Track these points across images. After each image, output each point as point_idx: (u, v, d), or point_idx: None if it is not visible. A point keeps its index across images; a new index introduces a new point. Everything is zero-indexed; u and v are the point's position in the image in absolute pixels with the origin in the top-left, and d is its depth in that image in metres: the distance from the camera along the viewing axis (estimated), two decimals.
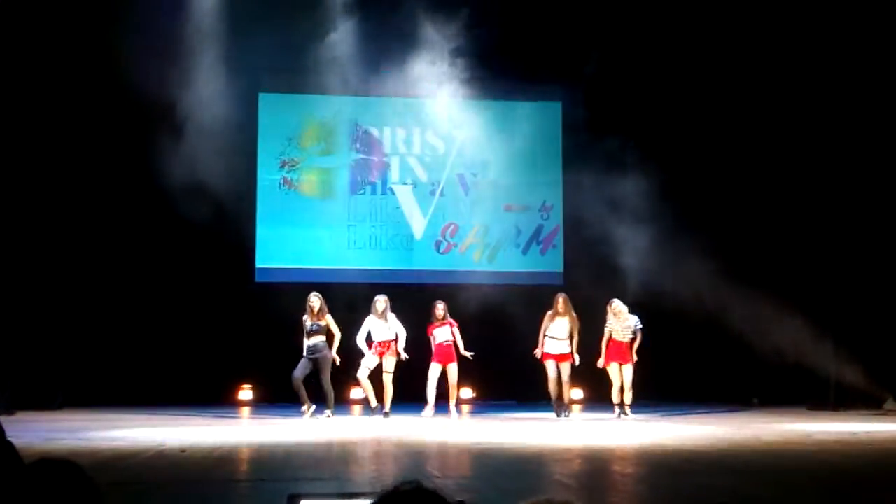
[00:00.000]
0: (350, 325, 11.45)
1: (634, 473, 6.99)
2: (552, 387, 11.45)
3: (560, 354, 11.47)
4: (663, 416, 11.54)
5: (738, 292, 12.10)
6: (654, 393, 12.75)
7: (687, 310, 12.28)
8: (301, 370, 11.06)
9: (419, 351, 11.60)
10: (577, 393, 13.23)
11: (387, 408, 11.22)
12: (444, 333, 11.52)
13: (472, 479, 6.46)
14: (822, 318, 12.17)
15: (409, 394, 11.60)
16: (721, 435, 9.14)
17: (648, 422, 10.88)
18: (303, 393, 11.05)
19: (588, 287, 12.38)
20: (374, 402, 11.20)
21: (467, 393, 13.44)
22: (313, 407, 11.02)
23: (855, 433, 9.30)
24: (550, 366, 11.47)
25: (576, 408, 12.95)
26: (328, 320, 11.15)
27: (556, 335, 11.49)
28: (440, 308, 11.57)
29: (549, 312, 11.55)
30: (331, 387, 11.09)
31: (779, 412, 11.93)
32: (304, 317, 11.19)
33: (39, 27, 11.80)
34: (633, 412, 11.35)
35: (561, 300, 11.59)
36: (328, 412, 11.02)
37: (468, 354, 11.61)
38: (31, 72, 11.88)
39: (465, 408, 12.89)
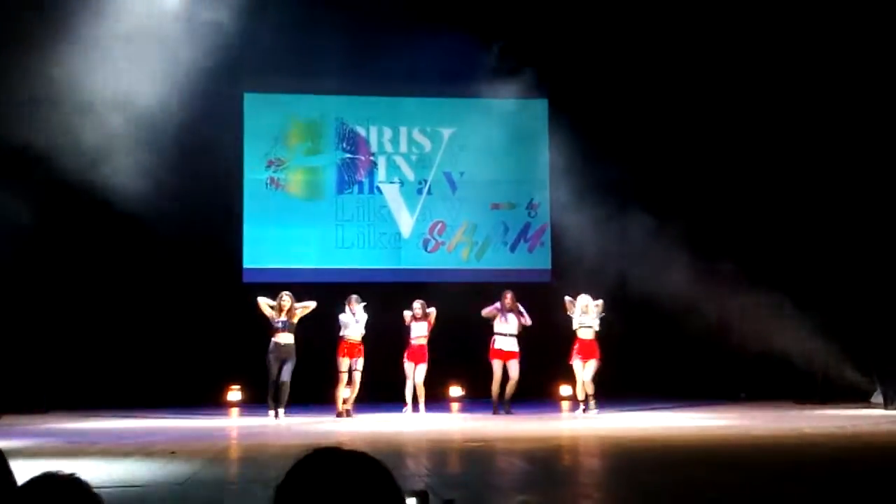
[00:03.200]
0: (338, 323, 11.44)
1: (621, 468, 7.01)
2: (496, 387, 11.48)
3: (510, 352, 11.55)
4: (650, 410, 11.57)
5: (725, 287, 12.16)
6: (641, 388, 12.80)
7: (674, 305, 12.32)
8: (276, 373, 11.04)
9: (398, 350, 11.62)
10: (567, 390, 13.26)
11: (349, 405, 11.24)
12: (417, 330, 11.53)
13: (460, 476, 6.46)
14: (809, 312, 12.23)
15: (395, 393, 11.65)
16: (709, 429, 9.17)
17: (635, 418, 10.91)
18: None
19: (576, 284, 12.41)
20: (341, 407, 11.24)
21: (456, 391, 13.47)
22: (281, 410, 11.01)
23: (842, 426, 9.35)
24: (497, 365, 11.53)
25: (565, 405, 12.99)
26: (299, 311, 11.15)
27: (504, 331, 11.56)
28: (417, 305, 11.60)
29: (496, 309, 11.58)
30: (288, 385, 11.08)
31: (766, 406, 11.99)
32: (272, 313, 11.12)
33: (31, 27, 11.72)
34: (598, 407, 11.41)
35: (509, 295, 11.64)
36: (281, 410, 11.00)
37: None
38: (21, 72, 11.81)
39: (455, 405, 12.90)
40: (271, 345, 11.09)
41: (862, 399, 12.20)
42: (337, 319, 11.36)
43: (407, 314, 11.60)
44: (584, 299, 11.62)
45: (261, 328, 12.14)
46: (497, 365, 11.52)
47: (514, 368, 11.50)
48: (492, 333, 11.71)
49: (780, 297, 12.12)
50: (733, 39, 12.75)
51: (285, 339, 11.11)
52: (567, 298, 11.65)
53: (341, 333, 11.27)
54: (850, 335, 12.07)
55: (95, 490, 1.74)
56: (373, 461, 1.57)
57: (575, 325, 11.55)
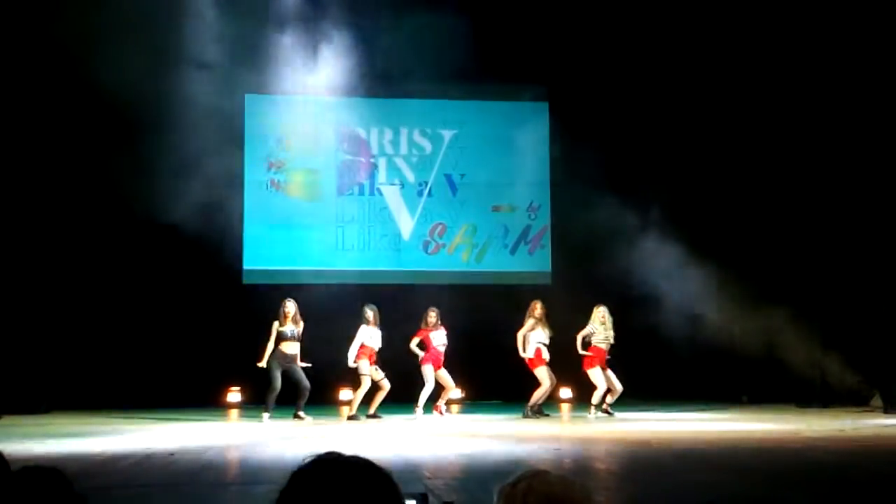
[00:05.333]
0: (338, 325, 11.45)
1: (623, 472, 7.00)
2: (548, 391, 11.50)
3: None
4: (652, 414, 11.56)
5: (726, 291, 12.16)
6: (643, 391, 12.78)
7: (676, 308, 12.32)
8: (280, 381, 10.98)
9: (406, 354, 11.61)
10: (566, 392, 13.25)
11: (373, 410, 11.31)
12: (441, 338, 11.59)
13: (461, 481, 6.45)
14: (809, 316, 12.23)
15: (401, 397, 11.64)
16: (710, 433, 9.17)
17: (638, 420, 10.91)
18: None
19: (576, 287, 12.41)
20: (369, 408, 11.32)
21: (455, 393, 13.44)
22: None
23: (843, 430, 9.35)
24: (548, 372, 11.52)
25: (564, 407, 13.00)
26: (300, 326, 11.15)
27: (545, 341, 11.57)
28: (433, 315, 11.63)
29: (533, 321, 11.54)
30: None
31: (767, 410, 11.98)
32: (276, 322, 11.07)
33: (25, 28, 11.73)
34: (615, 410, 11.53)
35: (540, 307, 11.65)
36: (301, 413, 11.04)
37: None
38: (16, 74, 11.83)
39: (455, 408, 12.88)
40: (277, 353, 11.00)
41: (862, 403, 12.19)
42: (352, 323, 11.37)
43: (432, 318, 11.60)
44: (604, 310, 11.65)
45: (261, 330, 12.14)
46: (547, 372, 11.49)
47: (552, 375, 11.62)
48: (489, 334, 11.76)
49: (782, 301, 12.11)
50: (734, 40, 12.75)
51: (293, 348, 11.05)
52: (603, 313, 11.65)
53: (366, 342, 11.27)
54: (851, 339, 12.06)
55: (94, 489, 1.74)
56: (374, 467, 1.56)
57: (601, 337, 11.57)
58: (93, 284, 12.77)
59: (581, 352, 11.54)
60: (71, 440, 8.77)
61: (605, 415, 11.45)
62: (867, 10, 11.68)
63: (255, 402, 12.89)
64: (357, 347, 11.23)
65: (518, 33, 13.33)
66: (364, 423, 10.91)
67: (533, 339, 11.51)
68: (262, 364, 10.96)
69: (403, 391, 11.63)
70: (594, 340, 11.55)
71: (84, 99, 12.29)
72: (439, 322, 11.65)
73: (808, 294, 12.44)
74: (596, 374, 11.48)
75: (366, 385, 11.23)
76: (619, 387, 11.56)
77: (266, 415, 10.94)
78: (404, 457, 7.68)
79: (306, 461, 1.58)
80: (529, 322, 11.53)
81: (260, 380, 12.58)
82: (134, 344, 12.79)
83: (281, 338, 11.02)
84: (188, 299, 12.98)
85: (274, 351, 11.00)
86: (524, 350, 11.51)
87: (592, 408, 11.51)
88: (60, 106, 12.37)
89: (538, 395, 11.47)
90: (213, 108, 12.61)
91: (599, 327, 11.55)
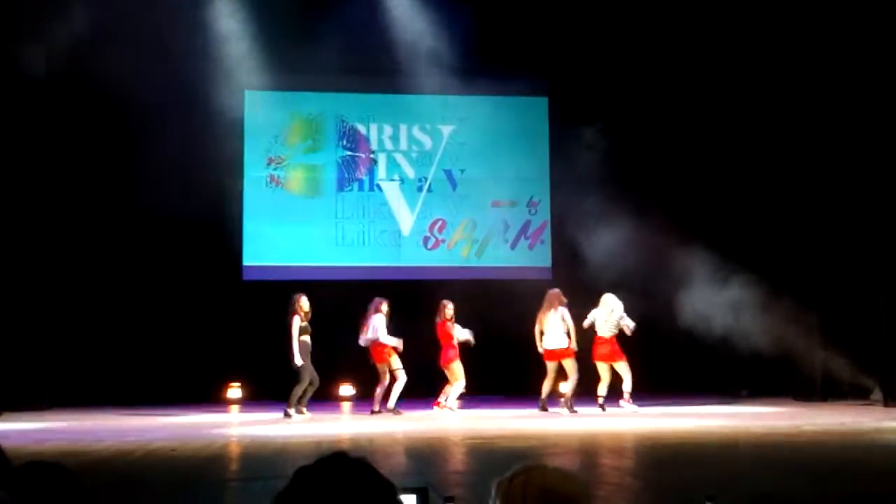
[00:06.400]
0: (339, 323, 11.45)
1: (625, 466, 7.01)
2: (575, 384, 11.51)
3: None
4: (652, 409, 11.57)
5: (726, 285, 12.16)
6: (643, 385, 12.79)
7: (676, 303, 12.32)
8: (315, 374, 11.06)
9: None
10: (565, 387, 13.25)
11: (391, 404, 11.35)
12: (459, 332, 11.64)
13: (464, 475, 6.46)
14: (809, 309, 12.23)
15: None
16: (710, 427, 9.18)
17: (637, 414, 10.92)
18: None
19: (576, 282, 12.41)
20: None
21: None
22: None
23: (842, 423, 9.36)
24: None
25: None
26: None
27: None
28: (451, 308, 11.63)
29: (565, 309, 11.52)
30: None
31: (767, 404, 12.00)
32: (297, 318, 11.03)
33: (26, 28, 11.72)
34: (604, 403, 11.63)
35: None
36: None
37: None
38: (15, 73, 11.83)
39: (456, 403, 12.89)
40: (305, 347, 11.00)
41: (862, 396, 12.20)
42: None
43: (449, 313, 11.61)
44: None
45: (260, 326, 12.15)
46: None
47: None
48: (489, 329, 11.79)
49: (782, 295, 12.12)
50: (733, 36, 12.74)
51: (309, 343, 11.12)
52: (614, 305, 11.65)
53: (384, 338, 11.27)
54: (851, 332, 12.06)
55: (95, 485, 1.74)
56: (374, 472, 1.58)
57: (618, 325, 11.60)
58: (94, 280, 12.78)
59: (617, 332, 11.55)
60: (72, 436, 8.78)
61: (601, 409, 11.48)
62: (866, 9, 11.67)
63: (255, 398, 12.93)
64: (389, 339, 11.25)
65: (518, 27, 13.31)
66: (400, 416, 10.96)
67: (565, 328, 11.50)
68: (300, 362, 10.93)
69: (407, 387, 11.65)
70: (612, 329, 11.60)
71: (84, 96, 12.30)
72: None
73: (808, 286, 12.45)
74: (622, 365, 11.52)
75: (402, 377, 11.27)
76: (607, 381, 11.62)
77: (304, 410, 10.98)
78: (406, 451, 7.69)
79: (308, 463, 1.60)
80: (561, 310, 11.46)
81: (259, 376, 12.61)
82: (135, 340, 12.80)
83: (303, 333, 11.06)
84: (188, 295, 12.99)
85: (300, 346, 11.03)
86: (541, 343, 11.49)
87: (627, 395, 11.53)
88: (60, 103, 12.36)
89: (570, 389, 11.42)
90: (212, 104, 12.60)
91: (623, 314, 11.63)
